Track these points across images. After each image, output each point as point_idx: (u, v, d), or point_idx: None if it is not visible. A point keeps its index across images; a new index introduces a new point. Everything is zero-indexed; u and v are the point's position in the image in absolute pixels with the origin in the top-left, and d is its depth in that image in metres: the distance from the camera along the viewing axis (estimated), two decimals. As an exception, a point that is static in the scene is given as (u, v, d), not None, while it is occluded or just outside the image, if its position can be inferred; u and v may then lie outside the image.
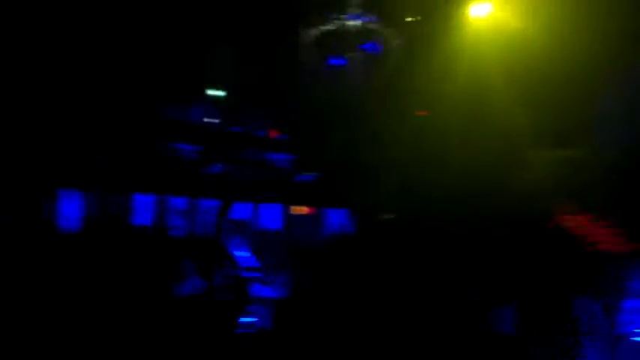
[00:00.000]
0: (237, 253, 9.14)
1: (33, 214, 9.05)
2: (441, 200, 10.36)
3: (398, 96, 12.09)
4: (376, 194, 11.68)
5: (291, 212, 13.22)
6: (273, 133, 12.86)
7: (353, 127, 12.61)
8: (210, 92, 11.91)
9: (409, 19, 11.91)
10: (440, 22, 11.45)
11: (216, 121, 11.86)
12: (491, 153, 11.27)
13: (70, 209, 10.27)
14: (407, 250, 7.86)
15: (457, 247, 8.87)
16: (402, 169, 11.22)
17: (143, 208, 10.99)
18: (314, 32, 11.93)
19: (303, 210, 13.61)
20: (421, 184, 10.86)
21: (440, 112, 11.52)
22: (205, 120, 11.84)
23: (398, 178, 11.35)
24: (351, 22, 11.89)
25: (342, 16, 11.86)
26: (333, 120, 12.30)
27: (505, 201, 10.58)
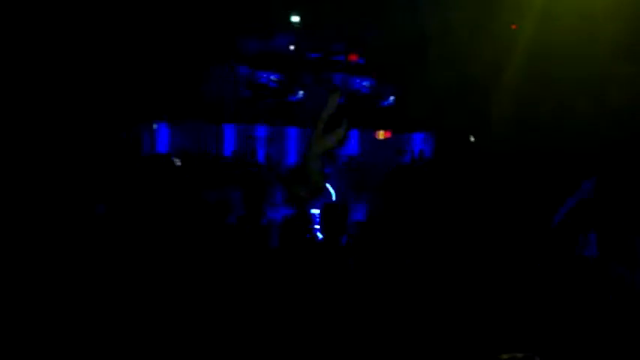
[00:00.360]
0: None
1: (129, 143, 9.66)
2: (529, 123, 9.96)
3: (482, 12, 11.45)
4: (459, 117, 11.41)
5: (373, 137, 13.27)
6: (353, 57, 12.70)
7: (435, 49, 12.17)
8: (290, 18, 11.77)
9: None
10: None
11: (296, 47, 11.85)
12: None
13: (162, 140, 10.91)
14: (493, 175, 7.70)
15: (546, 166, 8.59)
16: (485, 91, 10.81)
17: (229, 137, 11.46)
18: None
19: (384, 134, 13.59)
20: (506, 107, 10.46)
21: (527, 27, 10.84)
22: (287, 47, 11.84)
23: (480, 101, 10.98)
24: None
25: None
26: (415, 44, 11.90)
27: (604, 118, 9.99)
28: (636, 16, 9.50)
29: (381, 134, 13.45)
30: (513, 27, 12.12)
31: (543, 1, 10.54)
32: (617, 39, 10.34)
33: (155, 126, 11.05)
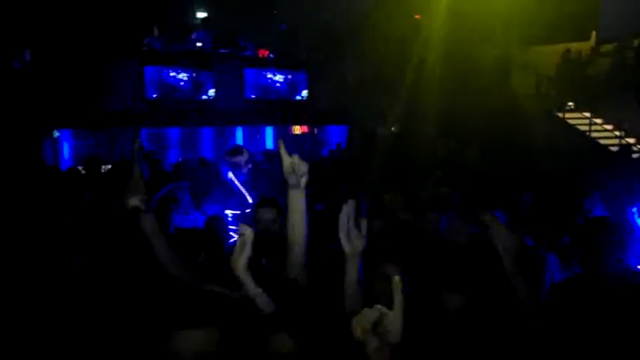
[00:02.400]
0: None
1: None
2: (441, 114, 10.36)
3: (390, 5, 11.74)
4: (374, 110, 11.65)
5: (289, 132, 13.23)
6: (263, 52, 12.57)
7: (346, 41, 12.32)
8: (196, 14, 11.43)
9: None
10: None
11: (204, 44, 11.53)
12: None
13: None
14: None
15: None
16: (398, 85, 11.11)
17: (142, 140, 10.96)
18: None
19: (300, 129, 13.59)
20: (421, 99, 10.80)
21: (433, 17, 11.25)
22: (195, 44, 11.50)
23: (394, 94, 11.27)
24: None
25: None
26: (325, 36, 11.98)
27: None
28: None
29: (296, 129, 13.44)
30: (418, 17, 12.55)
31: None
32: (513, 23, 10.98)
33: (57, 133, 10.35)
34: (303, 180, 2.10)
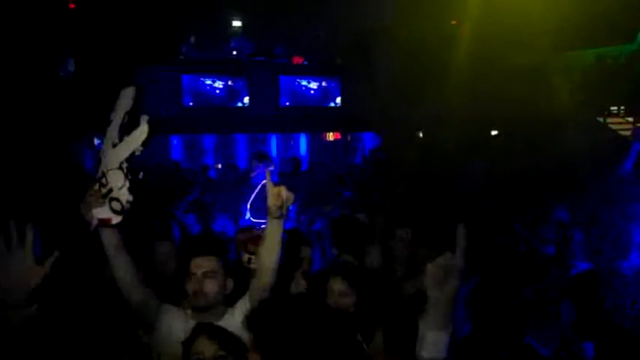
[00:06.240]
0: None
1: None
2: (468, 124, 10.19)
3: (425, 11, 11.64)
4: (407, 117, 11.54)
5: (322, 139, 13.25)
6: (297, 60, 12.66)
7: (379, 48, 12.27)
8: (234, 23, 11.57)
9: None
10: None
11: (240, 52, 11.70)
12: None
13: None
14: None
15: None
16: (431, 92, 10.99)
17: (177, 147, 11.16)
18: None
19: (333, 136, 13.59)
20: (453, 106, 10.65)
21: (468, 23, 11.09)
22: (231, 52, 11.66)
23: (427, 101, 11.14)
24: None
25: None
26: (359, 44, 11.95)
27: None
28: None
29: (330, 135, 13.46)
30: (454, 23, 12.39)
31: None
32: (552, 29, 10.74)
33: (97, 141, 10.66)
34: (286, 211, 2.07)
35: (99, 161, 2.06)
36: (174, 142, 11.05)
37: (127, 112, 1.99)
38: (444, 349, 1.62)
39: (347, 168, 10.51)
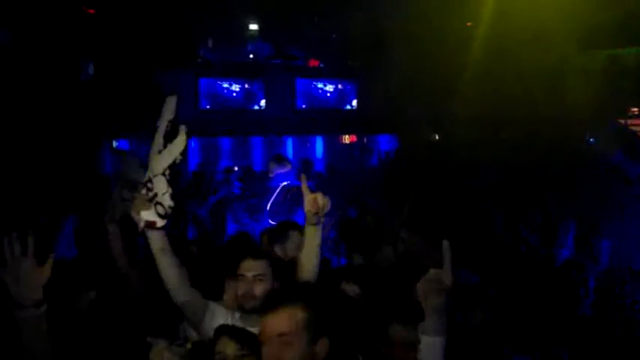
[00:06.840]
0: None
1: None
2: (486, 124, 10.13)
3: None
4: (423, 119, 11.50)
5: (338, 141, 13.25)
6: (314, 62, 12.67)
7: (395, 50, 12.24)
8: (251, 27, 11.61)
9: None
10: None
11: (256, 55, 11.74)
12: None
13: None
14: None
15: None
16: (447, 93, 10.94)
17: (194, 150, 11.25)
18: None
19: (349, 138, 13.58)
20: (470, 108, 10.59)
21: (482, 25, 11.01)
22: (248, 55, 11.70)
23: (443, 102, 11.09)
24: None
25: None
26: (375, 46, 11.92)
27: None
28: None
29: (346, 138, 13.45)
30: (469, 24, 12.31)
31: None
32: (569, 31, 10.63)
33: (115, 143, 10.78)
34: (323, 217, 2.08)
35: (130, 165, 2.21)
36: (192, 144, 11.13)
37: (170, 121, 2.12)
38: (440, 355, 1.68)
39: (363, 170, 10.51)
